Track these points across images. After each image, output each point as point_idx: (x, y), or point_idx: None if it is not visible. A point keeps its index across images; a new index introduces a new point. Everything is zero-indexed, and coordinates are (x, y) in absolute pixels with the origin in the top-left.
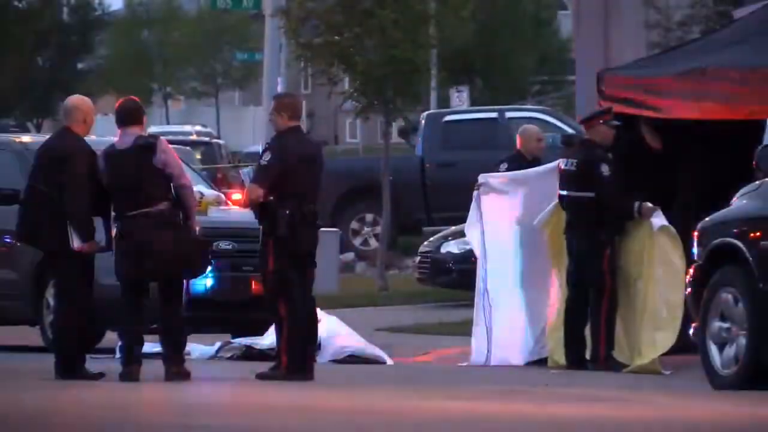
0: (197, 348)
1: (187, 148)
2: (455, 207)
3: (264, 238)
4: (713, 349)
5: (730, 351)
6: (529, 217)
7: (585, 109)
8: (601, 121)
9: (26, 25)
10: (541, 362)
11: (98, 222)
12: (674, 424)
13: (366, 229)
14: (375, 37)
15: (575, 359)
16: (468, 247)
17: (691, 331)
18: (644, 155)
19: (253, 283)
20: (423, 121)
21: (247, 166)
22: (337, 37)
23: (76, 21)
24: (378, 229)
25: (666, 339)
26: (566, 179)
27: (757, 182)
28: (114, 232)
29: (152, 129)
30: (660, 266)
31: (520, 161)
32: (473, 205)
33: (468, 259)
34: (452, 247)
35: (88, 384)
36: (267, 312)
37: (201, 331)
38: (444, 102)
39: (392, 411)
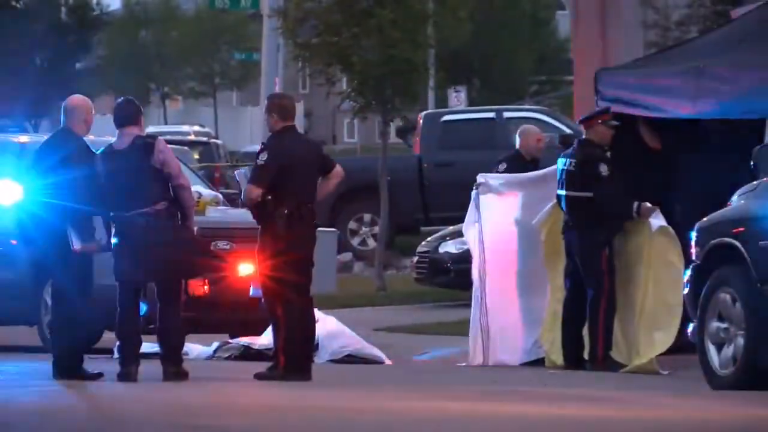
0: (195, 348)
1: (185, 148)
2: (453, 207)
3: (261, 238)
4: (711, 349)
5: (728, 351)
6: (528, 218)
7: (583, 109)
8: (599, 121)
9: (24, 24)
10: (539, 362)
11: (98, 222)
12: (672, 425)
13: (364, 229)
14: (373, 37)
15: (573, 359)
16: (466, 247)
17: (689, 331)
18: (643, 155)
19: (250, 283)
20: (421, 121)
21: (246, 165)
22: (335, 37)
23: (74, 21)
24: (376, 229)
25: (664, 339)
26: (565, 179)
27: (755, 182)
28: (112, 232)
29: (150, 129)
30: (658, 266)
31: (519, 161)
32: (471, 205)
33: (466, 259)
34: (450, 247)
35: (86, 384)
36: (264, 312)
37: (199, 331)
38: (442, 102)
39: (390, 411)
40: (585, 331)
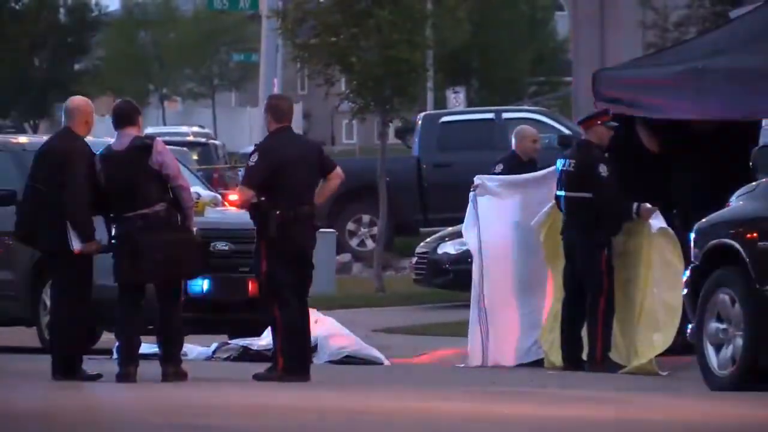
0: (194, 349)
1: (184, 148)
2: (452, 208)
3: (257, 239)
4: (710, 350)
5: (726, 352)
6: (526, 218)
7: (582, 109)
8: (599, 122)
9: (23, 25)
10: (538, 363)
11: (98, 223)
12: (671, 425)
13: (363, 230)
14: (372, 38)
15: (572, 360)
16: (465, 248)
17: (688, 332)
18: (642, 156)
19: (249, 284)
20: (420, 122)
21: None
22: (333, 38)
23: (73, 22)
24: (375, 230)
25: (663, 340)
26: (564, 180)
27: (754, 183)
28: (112, 233)
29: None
30: (658, 267)
31: (516, 162)
32: (469, 207)
33: (465, 260)
34: (449, 248)
35: (85, 385)
36: (263, 313)
37: (198, 331)
38: (441, 103)
39: (389, 412)
40: (584, 332)
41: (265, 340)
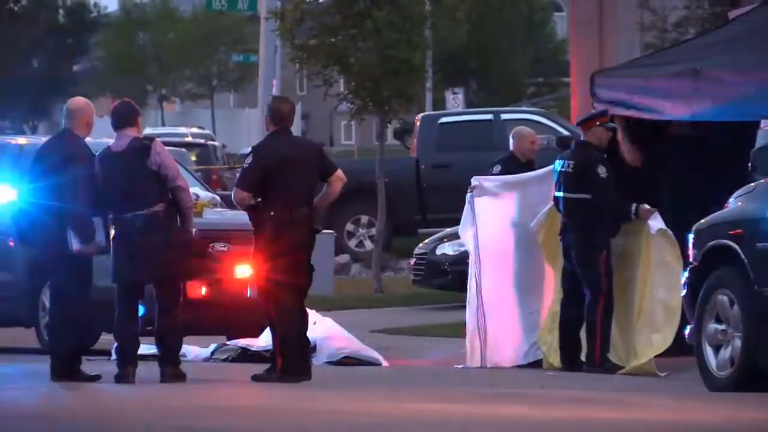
0: (193, 350)
1: (182, 149)
2: (450, 209)
3: (255, 240)
4: (709, 351)
5: (725, 353)
6: (524, 219)
7: (581, 111)
8: (597, 123)
9: (21, 27)
10: (537, 364)
11: (97, 224)
12: (669, 426)
13: (361, 230)
14: (370, 39)
15: (570, 361)
16: (463, 249)
17: (686, 333)
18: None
19: (248, 284)
20: (418, 123)
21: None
22: (332, 39)
23: (72, 23)
24: (373, 231)
25: (662, 340)
26: (563, 181)
27: (753, 184)
28: (111, 234)
29: (147, 131)
30: (656, 268)
31: (513, 163)
32: (467, 208)
33: (463, 261)
34: (447, 249)
35: (83, 386)
36: (261, 314)
37: (196, 332)
38: (439, 104)
39: (387, 413)
40: (583, 333)
41: (264, 341)
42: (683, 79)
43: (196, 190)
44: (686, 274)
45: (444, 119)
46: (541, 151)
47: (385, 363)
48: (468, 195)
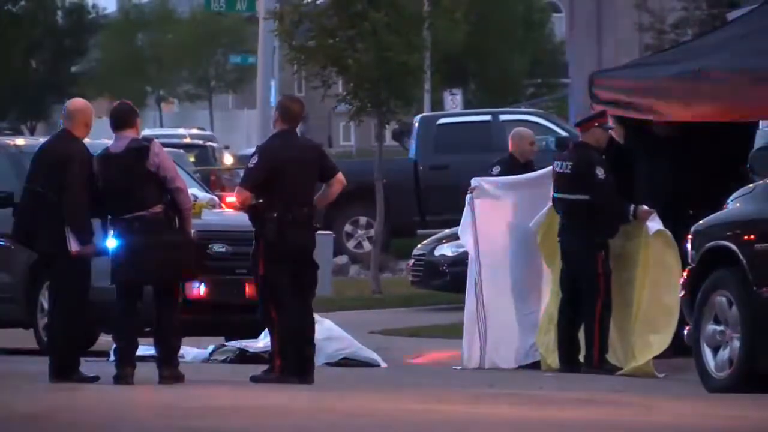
0: (191, 351)
1: (181, 150)
2: (449, 210)
3: (255, 241)
4: (707, 352)
5: (723, 354)
6: (523, 220)
7: (579, 111)
8: (596, 124)
9: (20, 28)
10: (535, 365)
11: (96, 225)
12: (668, 427)
13: (359, 232)
14: (368, 40)
15: (569, 362)
16: (462, 250)
17: (685, 334)
18: (640, 158)
19: (246, 285)
20: (417, 124)
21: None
22: (330, 40)
23: (70, 24)
24: (372, 232)
25: (661, 341)
26: (561, 182)
27: (751, 185)
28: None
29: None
30: (655, 269)
31: (512, 164)
32: (467, 209)
33: (462, 262)
34: (446, 250)
35: (82, 387)
36: (260, 315)
37: (195, 334)
38: (438, 105)
39: (386, 413)
40: (581, 334)
41: (263, 342)
42: (683, 79)
43: (194, 191)
44: (684, 275)
45: (442, 120)
46: (540, 152)
47: (383, 364)
48: (468, 196)
